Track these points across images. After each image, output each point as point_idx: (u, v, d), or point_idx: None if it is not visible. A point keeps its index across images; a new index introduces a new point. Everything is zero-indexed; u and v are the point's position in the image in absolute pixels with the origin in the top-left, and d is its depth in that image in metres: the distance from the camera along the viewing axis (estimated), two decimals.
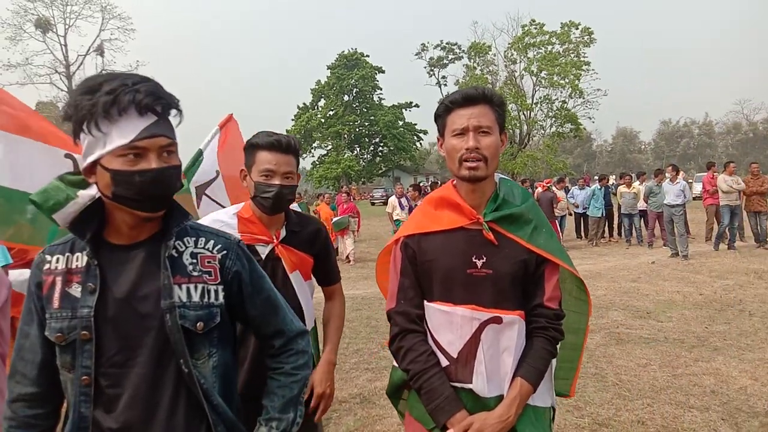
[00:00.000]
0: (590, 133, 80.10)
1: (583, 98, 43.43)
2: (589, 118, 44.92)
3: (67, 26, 44.87)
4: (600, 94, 44.07)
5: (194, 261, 1.50)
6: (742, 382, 4.81)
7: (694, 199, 15.39)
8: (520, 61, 45.32)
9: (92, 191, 1.45)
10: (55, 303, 1.44)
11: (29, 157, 3.07)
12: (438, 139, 1.95)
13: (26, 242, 3.04)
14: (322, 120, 55.47)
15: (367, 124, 56.34)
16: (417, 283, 1.92)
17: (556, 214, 14.14)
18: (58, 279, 1.46)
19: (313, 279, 2.45)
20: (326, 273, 2.48)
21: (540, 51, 44.04)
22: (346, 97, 56.24)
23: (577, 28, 43.59)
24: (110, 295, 1.42)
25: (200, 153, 3.86)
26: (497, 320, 1.80)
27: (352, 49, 56.55)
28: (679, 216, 11.94)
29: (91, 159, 1.37)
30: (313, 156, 56.97)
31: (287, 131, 53.89)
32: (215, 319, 1.49)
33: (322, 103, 57.03)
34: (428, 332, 1.89)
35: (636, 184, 15.11)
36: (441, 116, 1.90)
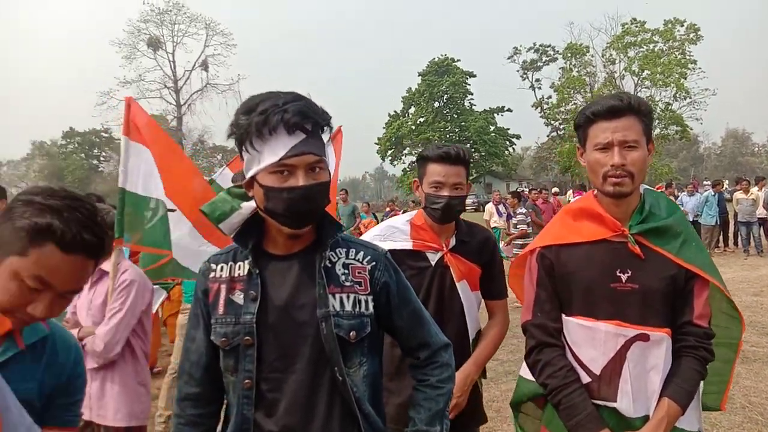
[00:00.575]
0: (697, 135, 74.96)
1: (690, 98, 40.89)
2: (697, 119, 42.23)
3: (175, 44, 48.22)
4: (708, 94, 41.28)
5: (346, 271, 1.54)
6: None
7: None
8: (620, 61, 43.42)
9: (254, 203, 1.54)
10: (220, 309, 1.53)
11: (152, 167, 3.28)
12: (578, 149, 1.89)
13: (149, 245, 3.26)
14: (413, 127, 55.67)
15: (457, 130, 55.94)
16: (554, 296, 1.88)
17: None
18: (223, 286, 1.55)
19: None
20: (491, 285, 2.41)
21: (641, 50, 41.97)
22: (436, 104, 56.18)
23: (682, 25, 41.16)
24: (270, 303, 1.50)
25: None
26: (644, 337, 1.73)
27: (442, 55, 56.51)
28: None
29: (249, 175, 1.47)
30: (403, 163, 57.29)
31: (379, 139, 54.65)
32: (366, 328, 1.52)
33: (412, 110, 57.28)
34: (567, 347, 1.84)
35: (754, 189, 13.99)
36: (582, 126, 1.84)
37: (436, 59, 56.41)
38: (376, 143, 56.79)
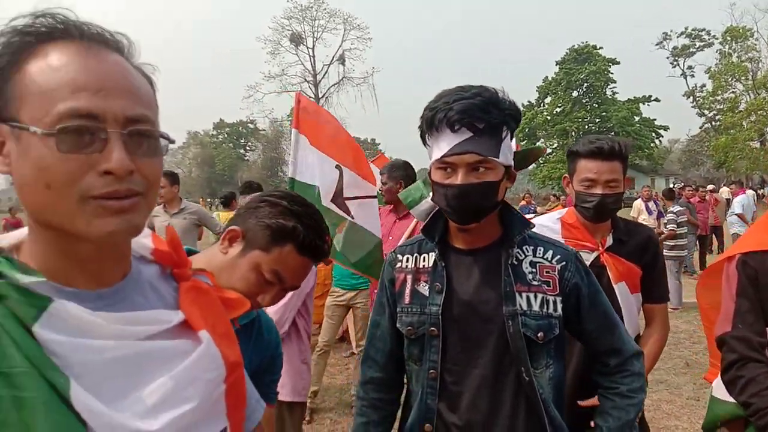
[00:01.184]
0: None
1: None
2: None
3: (315, 39, 50.44)
4: None
5: (533, 270, 1.51)
6: None
7: None
8: None
9: None
10: (406, 299, 1.58)
11: (321, 158, 3.43)
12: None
13: None
14: (548, 117, 53.63)
15: (597, 120, 52.92)
16: (758, 307, 1.69)
17: None
18: (408, 277, 1.60)
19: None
20: (653, 287, 2.26)
21: None
22: (575, 93, 53.56)
23: None
24: (455, 295, 1.51)
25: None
26: None
27: (582, 42, 53.70)
28: None
29: (428, 167, 1.51)
30: None
31: None
32: (554, 330, 1.49)
33: (548, 100, 55.16)
34: None
35: None
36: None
37: (576, 46, 53.71)
38: None
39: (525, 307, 1.47)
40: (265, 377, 1.56)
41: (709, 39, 49.74)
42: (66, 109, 0.69)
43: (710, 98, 44.44)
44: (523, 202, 17.14)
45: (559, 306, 1.50)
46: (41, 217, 0.73)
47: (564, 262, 1.53)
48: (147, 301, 0.84)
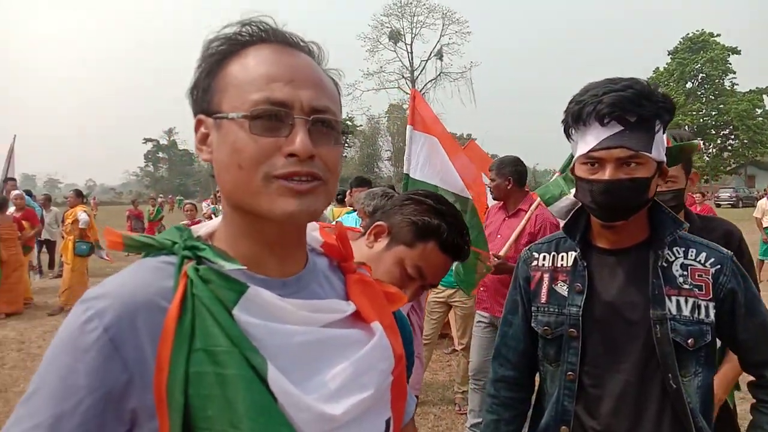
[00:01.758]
0: None
1: None
2: None
3: (413, 35, 50.43)
4: None
5: (684, 273, 1.43)
6: None
7: None
8: None
9: None
10: (543, 298, 1.55)
11: (438, 156, 3.46)
12: None
13: None
14: None
15: (714, 113, 49.18)
16: None
17: None
18: (545, 276, 1.57)
19: None
20: None
21: None
22: (688, 84, 50.14)
23: None
24: (597, 297, 1.46)
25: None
26: None
27: (698, 30, 50.05)
28: None
29: (572, 163, 1.47)
30: None
31: None
32: (706, 337, 1.41)
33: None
34: None
35: None
36: None
37: (690, 35, 50.17)
38: None
39: (674, 312, 1.40)
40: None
41: None
42: (260, 97, 0.76)
43: None
44: None
45: (712, 312, 1.41)
46: (234, 198, 0.80)
47: (719, 266, 1.44)
48: (323, 291, 0.89)
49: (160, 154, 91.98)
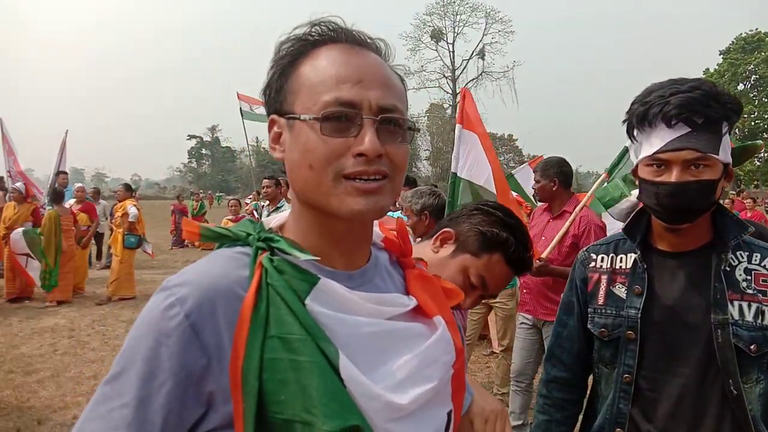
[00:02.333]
0: None
1: None
2: None
3: (455, 34, 50.07)
4: None
5: (748, 278, 1.41)
6: None
7: None
8: None
9: None
10: (600, 299, 1.54)
11: (482, 156, 3.45)
12: None
13: None
14: None
15: (767, 116, 47.42)
16: None
17: None
18: (603, 277, 1.56)
19: None
20: None
21: None
22: (740, 86, 48.33)
23: None
24: (656, 300, 1.45)
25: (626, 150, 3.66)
26: None
27: (752, 30, 48.26)
28: None
29: (634, 163, 1.46)
30: None
31: None
32: None
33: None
34: None
35: None
36: None
37: (744, 34, 48.43)
38: None
39: (737, 317, 1.38)
40: None
41: None
42: (330, 98, 0.79)
43: None
44: None
45: None
46: (304, 196, 0.84)
47: None
48: (385, 285, 0.92)
49: (204, 151, 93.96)
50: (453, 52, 50.55)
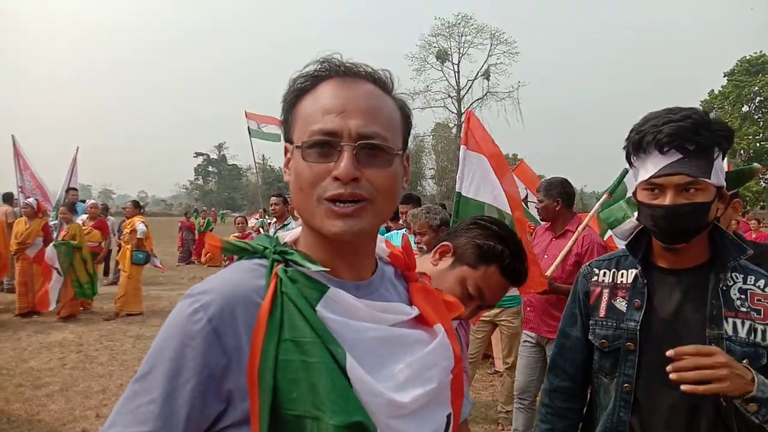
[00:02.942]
0: None
1: None
2: None
3: (460, 55, 50.46)
4: None
5: (743, 297, 1.48)
6: None
7: None
8: None
9: None
10: (601, 312, 1.63)
11: (489, 175, 3.53)
12: None
13: None
14: None
15: None
16: None
17: None
18: (605, 291, 1.64)
19: None
20: None
21: None
22: (745, 108, 48.49)
23: None
24: (655, 313, 1.53)
25: (626, 171, 3.74)
26: None
27: (757, 52, 48.49)
28: None
29: (633, 186, 1.55)
30: None
31: None
32: (762, 359, 1.45)
33: (712, 115, 50.11)
34: None
35: None
36: None
37: (749, 57, 48.66)
38: None
39: (731, 333, 1.45)
40: None
41: None
42: (317, 128, 0.88)
43: None
44: None
45: None
46: (300, 215, 0.93)
47: None
48: (390, 295, 1.00)
49: (210, 168, 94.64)
50: (458, 72, 50.92)
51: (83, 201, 12.29)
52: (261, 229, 10.04)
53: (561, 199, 4.01)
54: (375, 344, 0.89)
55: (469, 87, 50.69)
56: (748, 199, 44.77)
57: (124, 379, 5.78)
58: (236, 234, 9.64)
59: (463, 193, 3.40)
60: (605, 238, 4.25)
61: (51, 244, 8.73)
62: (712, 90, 50.64)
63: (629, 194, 3.80)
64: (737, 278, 1.51)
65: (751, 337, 1.44)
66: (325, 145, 0.87)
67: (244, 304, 0.85)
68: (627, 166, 1.59)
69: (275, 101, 1.01)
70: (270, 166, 73.10)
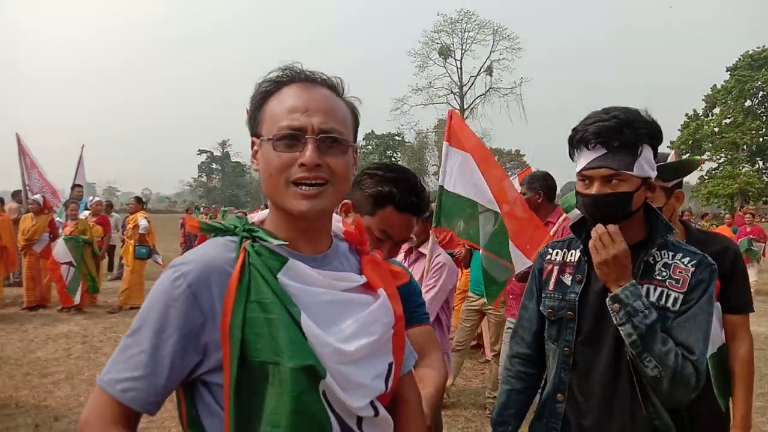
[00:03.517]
0: None
1: None
2: None
3: (463, 51, 50.41)
4: None
5: (665, 270, 1.67)
6: None
7: None
8: None
9: None
10: (551, 286, 1.85)
11: (471, 171, 3.72)
12: None
13: (464, 237, 3.80)
14: (716, 129, 49.11)
15: None
16: None
17: None
18: (555, 268, 1.87)
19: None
20: (730, 298, 2.19)
21: None
22: (748, 102, 48.45)
23: None
24: (591, 287, 1.75)
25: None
26: None
27: (759, 47, 48.37)
28: None
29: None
30: (701, 170, 50.72)
31: (671, 143, 49.23)
32: (667, 322, 1.60)
33: (716, 110, 50.45)
34: None
35: None
36: None
37: (751, 51, 48.54)
38: (668, 147, 51.25)
39: None
40: (410, 304, 1.78)
41: None
42: (284, 124, 1.08)
43: None
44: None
45: (679, 303, 1.61)
46: (269, 197, 1.13)
47: (697, 264, 1.64)
48: (342, 266, 1.20)
49: (214, 165, 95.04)
50: (461, 68, 50.89)
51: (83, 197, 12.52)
52: None
53: (543, 191, 4.21)
54: (327, 306, 1.09)
55: (472, 83, 50.64)
56: (751, 194, 44.77)
57: None
58: None
59: (445, 187, 3.60)
60: None
61: (60, 239, 8.98)
62: (715, 85, 50.58)
63: None
64: (666, 255, 1.68)
65: (661, 302, 1.62)
66: (293, 138, 1.07)
67: (217, 273, 1.04)
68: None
69: None
70: None
